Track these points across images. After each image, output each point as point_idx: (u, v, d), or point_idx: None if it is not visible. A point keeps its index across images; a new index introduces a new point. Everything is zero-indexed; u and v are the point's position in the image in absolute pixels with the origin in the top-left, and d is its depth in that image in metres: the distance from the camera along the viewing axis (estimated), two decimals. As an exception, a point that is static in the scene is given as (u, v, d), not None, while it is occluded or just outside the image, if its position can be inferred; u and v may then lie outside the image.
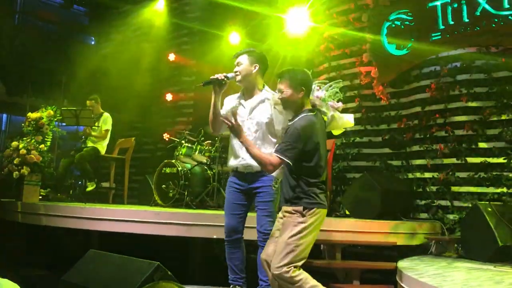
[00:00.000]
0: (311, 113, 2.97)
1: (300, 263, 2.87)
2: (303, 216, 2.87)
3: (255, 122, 3.48)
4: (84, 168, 6.70)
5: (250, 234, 3.65)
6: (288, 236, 2.86)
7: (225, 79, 3.41)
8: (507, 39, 5.36)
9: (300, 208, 2.89)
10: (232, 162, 3.59)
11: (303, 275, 2.86)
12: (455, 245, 4.97)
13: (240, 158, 3.53)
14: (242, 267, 3.60)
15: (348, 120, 3.38)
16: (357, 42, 6.83)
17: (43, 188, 6.42)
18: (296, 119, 2.97)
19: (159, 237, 4.57)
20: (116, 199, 7.54)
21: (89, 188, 6.82)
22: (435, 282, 3.04)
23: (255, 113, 3.50)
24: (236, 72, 3.51)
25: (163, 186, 6.61)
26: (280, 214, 3.09)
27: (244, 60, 3.51)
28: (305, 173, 2.92)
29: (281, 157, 2.86)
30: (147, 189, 7.45)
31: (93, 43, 11.40)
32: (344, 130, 3.56)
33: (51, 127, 5.74)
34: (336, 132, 3.40)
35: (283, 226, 2.95)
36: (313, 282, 2.87)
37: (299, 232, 2.85)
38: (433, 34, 5.87)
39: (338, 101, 3.36)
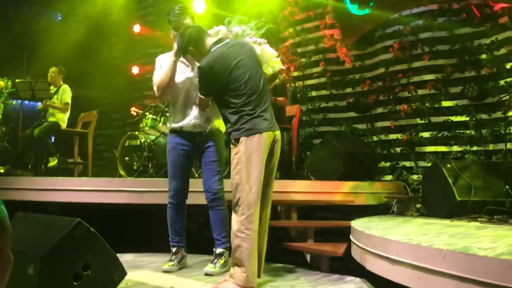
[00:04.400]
0: (214, 47, 2.99)
1: (252, 200, 2.82)
2: (236, 146, 2.88)
3: None
4: (44, 142, 6.51)
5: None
6: (232, 173, 2.88)
7: None
8: (467, -7, 5.25)
9: (233, 140, 2.90)
10: (180, 122, 3.49)
11: (252, 236, 2.81)
12: (417, 204, 4.91)
13: (191, 117, 3.47)
14: (184, 228, 3.63)
15: (270, 52, 3.19)
16: (320, 5, 6.67)
17: (3, 165, 6.24)
18: None
19: (121, 205, 4.45)
20: (82, 174, 7.38)
21: (51, 164, 6.62)
22: (380, 233, 2.97)
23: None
24: None
25: (127, 158, 6.47)
26: None
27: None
28: (229, 104, 2.91)
29: (199, 95, 3.10)
30: (115, 165, 7.30)
31: (59, 19, 11.06)
32: (275, 71, 3.37)
33: (2, 99, 5.52)
34: (266, 70, 3.23)
35: None
36: (253, 251, 2.82)
37: (237, 163, 2.85)
38: (394, -8, 5.73)
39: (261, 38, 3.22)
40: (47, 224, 2.59)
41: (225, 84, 2.91)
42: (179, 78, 3.45)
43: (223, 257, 3.45)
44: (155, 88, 3.47)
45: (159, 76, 3.45)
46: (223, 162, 3.56)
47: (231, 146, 2.93)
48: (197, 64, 3.37)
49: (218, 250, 3.47)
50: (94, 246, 2.41)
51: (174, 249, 3.63)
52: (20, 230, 2.66)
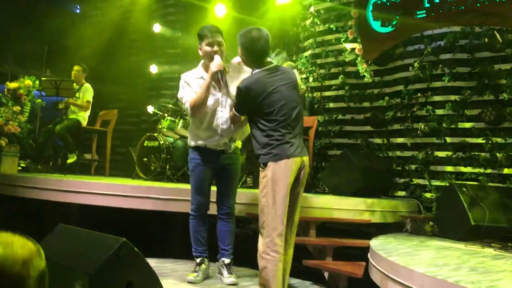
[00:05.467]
0: (260, 69, 3.13)
1: (277, 224, 2.96)
2: (264, 170, 3.03)
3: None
4: (64, 139, 6.65)
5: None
6: (259, 196, 3.05)
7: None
8: (491, 19, 5.30)
9: (262, 164, 3.05)
10: (206, 140, 3.63)
11: (277, 258, 2.94)
12: (430, 223, 5.03)
13: (216, 136, 3.62)
14: (206, 238, 3.83)
15: None
16: (342, 18, 6.75)
17: (23, 159, 6.37)
18: None
19: (142, 211, 4.58)
20: (98, 171, 7.52)
21: (70, 160, 6.79)
22: (403, 261, 3.08)
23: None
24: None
25: (145, 159, 6.59)
26: None
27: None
28: (260, 126, 3.07)
29: (234, 110, 3.30)
30: (130, 162, 7.43)
31: (78, 11, 11.15)
32: None
33: (29, 97, 5.65)
34: None
35: None
36: (278, 272, 2.95)
37: (264, 187, 3.01)
38: (418, 12, 5.79)
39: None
40: (90, 240, 2.70)
41: (258, 108, 3.07)
42: (208, 100, 3.58)
43: (232, 266, 3.77)
44: (186, 105, 3.60)
45: (191, 95, 3.58)
46: (238, 180, 3.95)
47: (260, 169, 3.09)
48: (231, 83, 3.55)
49: (227, 260, 3.74)
50: (136, 265, 2.53)
51: (198, 260, 3.77)
52: (64, 243, 2.79)
